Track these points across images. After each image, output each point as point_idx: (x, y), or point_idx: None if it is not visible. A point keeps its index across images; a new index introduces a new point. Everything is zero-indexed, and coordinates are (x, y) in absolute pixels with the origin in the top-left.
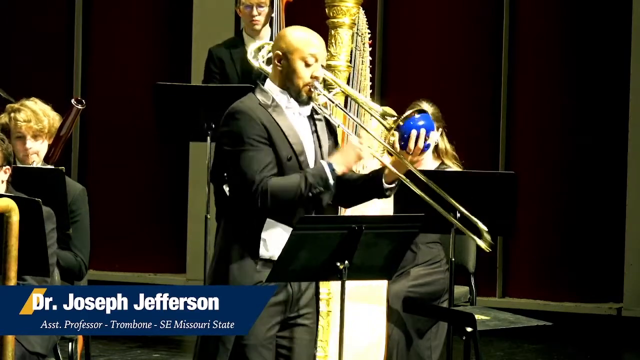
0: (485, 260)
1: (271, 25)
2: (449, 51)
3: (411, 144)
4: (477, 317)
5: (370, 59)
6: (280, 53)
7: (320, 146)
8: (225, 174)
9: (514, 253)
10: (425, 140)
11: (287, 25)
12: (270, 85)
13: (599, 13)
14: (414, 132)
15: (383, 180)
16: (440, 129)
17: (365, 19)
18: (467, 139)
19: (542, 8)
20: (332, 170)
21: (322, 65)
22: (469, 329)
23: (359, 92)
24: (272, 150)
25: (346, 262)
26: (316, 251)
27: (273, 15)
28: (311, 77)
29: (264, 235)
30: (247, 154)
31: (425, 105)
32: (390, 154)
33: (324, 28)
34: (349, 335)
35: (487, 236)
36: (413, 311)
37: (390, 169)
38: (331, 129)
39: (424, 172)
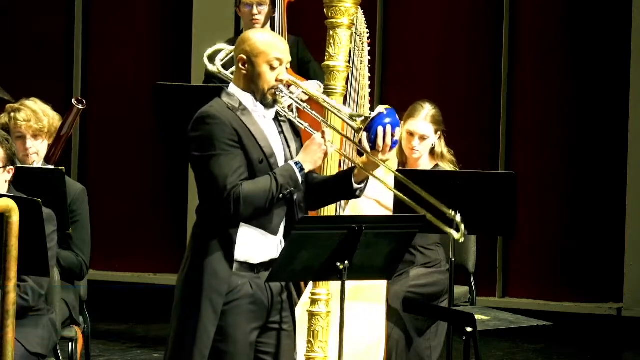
0: (485, 260)
1: (272, 26)
2: (449, 51)
3: (379, 141)
4: (477, 317)
5: (369, 58)
6: (245, 57)
7: (288, 147)
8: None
9: (514, 253)
10: (392, 136)
11: (288, 25)
12: (234, 89)
13: (599, 13)
14: (380, 130)
15: (353, 180)
16: (439, 133)
17: (364, 19)
18: (467, 139)
19: (542, 8)
20: (301, 170)
21: (287, 68)
22: (469, 329)
23: (358, 92)
24: (243, 153)
25: (346, 262)
26: (316, 251)
27: (274, 15)
28: (276, 81)
29: (238, 237)
30: (218, 158)
31: (428, 107)
32: (360, 154)
33: (322, 28)
34: (348, 335)
35: (462, 226)
36: (413, 311)
37: (361, 168)
38: (296, 131)
39: (417, 171)
